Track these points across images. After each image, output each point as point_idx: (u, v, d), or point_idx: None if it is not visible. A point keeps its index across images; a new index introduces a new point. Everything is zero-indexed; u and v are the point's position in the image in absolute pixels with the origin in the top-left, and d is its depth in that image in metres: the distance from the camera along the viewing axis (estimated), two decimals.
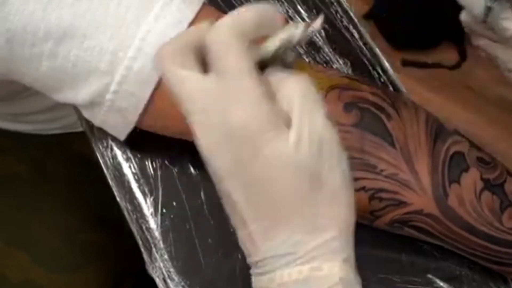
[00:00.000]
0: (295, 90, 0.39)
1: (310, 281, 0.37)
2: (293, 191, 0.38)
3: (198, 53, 0.39)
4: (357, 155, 0.51)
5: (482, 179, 0.52)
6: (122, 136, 0.53)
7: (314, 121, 0.39)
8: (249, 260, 0.40)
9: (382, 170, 0.51)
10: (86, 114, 0.53)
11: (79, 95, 0.50)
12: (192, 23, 0.49)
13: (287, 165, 0.38)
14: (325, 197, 0.38)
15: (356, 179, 0.50)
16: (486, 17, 0.49)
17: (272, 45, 0.41)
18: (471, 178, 0.52)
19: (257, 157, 0.38)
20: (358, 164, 0.51)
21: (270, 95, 0.38)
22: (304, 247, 0.38)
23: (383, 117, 0.52)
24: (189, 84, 0.39)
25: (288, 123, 0.38)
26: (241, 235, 0.40)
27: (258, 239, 0.39)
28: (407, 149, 0.52)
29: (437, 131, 0.53)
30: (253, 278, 0.40)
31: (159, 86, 0.49)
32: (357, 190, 0.50)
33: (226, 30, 0.38)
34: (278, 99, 0.39)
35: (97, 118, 0.52)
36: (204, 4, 0.51)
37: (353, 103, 0.52)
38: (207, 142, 0.38)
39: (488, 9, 0.49)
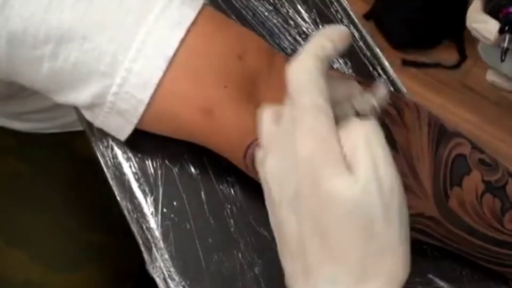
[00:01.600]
0: (361, 134, 0.39)
1: None
2: (345, 234, 0.38)
3: None
4: None
5: (483, 181, 0.52)
6: (122, 137, 0.53)
7: (378, 169, 0.38)
8: (288, 283, 0.40)
9: None
10: (87, 115, 0.53)
11: (79, 97, 0.50)
12: (192, 24, 0.49)
13: (343, 206, 0.37)
14: (376, 248, 0.38)
15: None
16: (504, 58, 0.50)
17: (367, 102, 0.43)
18: (473, 181, 0.52)
19: (317, 191, 0.38)
20: None
21: (338, 135, 0.39)
22: None
23: (386, 119, 0.52)
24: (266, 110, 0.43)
25: (350, 166, 0.38)
26: (286, 264, 0.40)
27: (301, 273, 0.39)
28: (409, 153, 0.52)
29: (439, 134, 0.53)
30: None
31: (159, 88, 0.49)
32: None
33: (304, 68, 0.40)
34: (343, 140, 0.39)
35: (98, 119, 0.52)
36: (204, 5, 0.51)
37: None
38: (273, 166, 0.40)
39: (506, 51, 0.51)
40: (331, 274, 0.37)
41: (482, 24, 0.53)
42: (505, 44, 0.52)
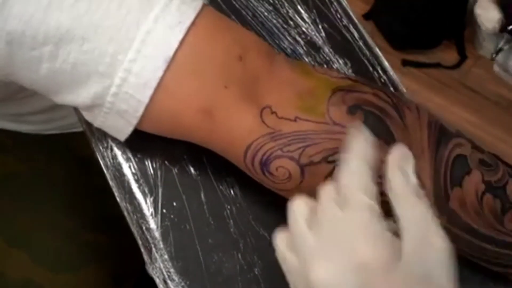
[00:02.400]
0: (410, 216, 0.42)
1: None
2: None
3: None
4: None
5: (484, 181, 0.52)
6: (122, 138, 0.53)
7: (428, 253, 0.41)
8: None
9: None
10: (86, 115, 0.53)
11: (79, 97, 0.50)
12: (192, 24, 0.49)
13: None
14: None
15: None
16: (495, 56, 0.50)
17: None
18: (473, 181, 0.52)
19: None
20: None
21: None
22: None
23: (387, 120, 0.52)
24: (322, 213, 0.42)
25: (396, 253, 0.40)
26: None
27: None
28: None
29: (440, 134, 0.53)
30: None
31: (159, 88, 0.49)
32: None
33: (355, 168, 0.42)
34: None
35: (97, 120, 0.52)
36: (204, 4, 0.51)
37: (357, 105, 0.51)
38: (330, 273, 0.40)
39: (499, 50, 0.50)
40: None
41: (485, 10, 0.51)
42: (501, 44, 0.51)
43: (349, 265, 0.39)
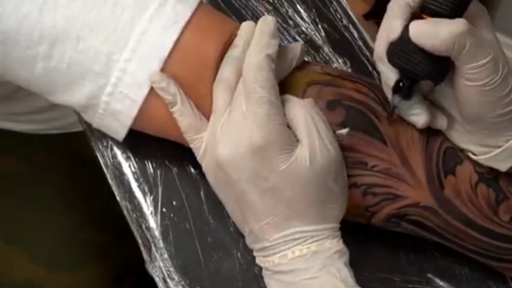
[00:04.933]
0: (302, 114, 0.48)
1: (317, 253, 0.48)
2: (304, 197, 0.48)
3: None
4: (346, 154, 0.51)
5: (476, 172, 0.53)
6: (119, 138, 0.53)
7: (320, 139, 0.48)
8: (259, 246, 0.50)
9: (373, 166, 0.51)
10: (84, 116, 0.53)
11: (74, 97, 0.50)
12: (187, 23, 0.49)
13: (299, 179, 0.47)
14: (330, 199, 0.49)
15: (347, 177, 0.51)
16: (393, 111, 0.52)
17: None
18: (466, 170, 0.52)
19: (274, 171, 0.47)
20: (348, 162, 0.51)
21: (284, 117, 0.48)
22: (313, 233, 0.48)
23: (370, 114, 0.52)
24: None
25: (299, 140, 0.48)
26: (253, 228, 0.49)
27: (270, 230, 0.49)
28: (399, 144, 0.52)
29: (429, 128, 0.53)
30: (261, 259, 0.50)
31: (154, 88, 0.49)
32: (349, 187, 0.50)
33: (259, 66, 0.48)
34: (289, 120, 0.49)
35: (94, 120, 0.52)
36: (200, 3, 0.51)
37: (336, 100, 0.52)
38: (231, 152, 0.48)
39: (394, 107, 0.51)
40: (297, 223, 0.48)
41: (384, 67, 0.51)
42: (395, 103, 0.51)
43: (248, 146, 0.47)
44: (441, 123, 0.53)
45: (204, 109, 0.50)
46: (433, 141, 0.53)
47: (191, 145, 0.51)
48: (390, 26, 0.50)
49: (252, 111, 0.47)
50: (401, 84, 0.50)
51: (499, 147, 0.51)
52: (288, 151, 0.47)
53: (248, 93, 0.48)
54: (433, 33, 0.47)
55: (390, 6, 0.51)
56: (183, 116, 0.50)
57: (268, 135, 0.47)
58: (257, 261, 0.51)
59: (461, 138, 0.53)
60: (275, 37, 0.50)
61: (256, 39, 0.49)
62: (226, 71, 0.50)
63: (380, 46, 0.51)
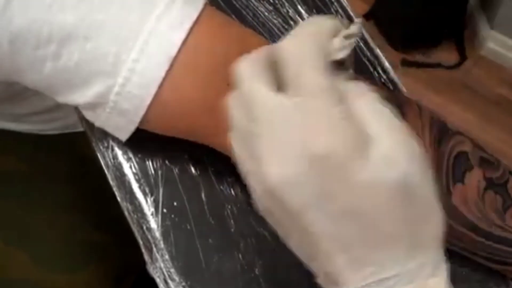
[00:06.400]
0: (370, 109, 0.37)
1: None
2: (391, 214, 0.36)
3: (273, 69, 0.37)
4: None
5: (485, 178, 0.53)
6: (124, 137, 0.53)
7: (398, 138, 0.36)
8: (326, 281, 0.38)
9: None
10: (88, 115, 0.53)
11: (82, 96, 0.50)
12: (194, 23, 0.49)
13: (381, 189, 0.35)
14: (420, 214, 0.37)
15: None
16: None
17: (340, 46, 0.38)
18: (475, 178, 0.52)
19: (348, 185, 0.35)
20: None
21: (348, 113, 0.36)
22: (407, 267, 0.36)
23: None
24: (269, 104, 0.36)
25: (368, 141, 0.35)
26: (325, 268, 0.37)
27: (349, 269, 0.36)
28: None
29: (441, 131, 0.53)
30: None
31: (162, 87, 0.49)
32: None
33: (304, 43, 0.36)
34: (352, 115, 0.36)
35: (99, 119, 0.52)
36: (206, 4, 0.51)
37: None
38: (283, 172, 0.35)
39: None
40: (382, 258, 0.36)
41: None
42: None
43: (303, 159, 0.34)
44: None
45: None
46: (445, 145, 0.53)
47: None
48: None
49: (303, 104, 0.35)
50: None
51: None
52: (361, 157, 0.35)
53: (295, 79, 0.36)
54: None
55: None
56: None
57: (333, 136, 0.35)
58: None
59: None
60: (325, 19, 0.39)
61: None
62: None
63: None
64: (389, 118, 0.37)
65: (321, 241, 0.36)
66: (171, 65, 0.49)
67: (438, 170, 0.52)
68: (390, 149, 0.35)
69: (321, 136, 0.34)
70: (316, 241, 0.37)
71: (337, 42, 0.38)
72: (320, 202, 0.35)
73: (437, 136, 0.53)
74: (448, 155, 0.52)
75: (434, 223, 0.37)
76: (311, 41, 0.36)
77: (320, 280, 0.39)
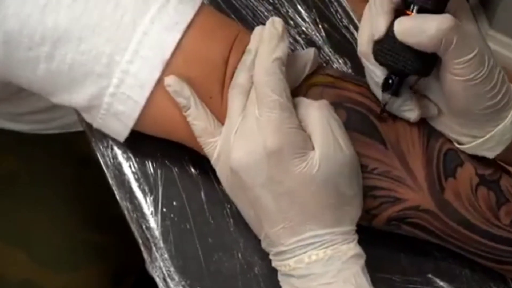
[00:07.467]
0: (317, 116, 0.48)
1: (333, 257, 0.48)
2: (319, 200, 0.48)
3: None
4: None
5: (477, 174, 0.53)
6: (121, 138, 0.53)
7: (335, 142, 0.48)
8: (275, 250, 0.50)
9: (373, 169, 0.51)
10: (85, 116, 0.53)
11: (76, 97, 0.50)
12: (190, 24, 0.49)
13: (313, 182, 0.47)
14: (345, 202, 0.49)
15: None
16: (384, 108, 0.52)
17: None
18: (467, 173, 0.52)
19: (288, 176, 0.47)
20: None
21: (297, 120, 0.48)
22: (328, 236, 0.48)
23: (371, 116, 0.52)
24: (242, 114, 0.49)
25: (313, 142, 0.48)
26: (268, 233, 0.49)
27: (286, 235, 0.48)
28: (399, 147, 0.52)
29: (430, 130, 0.53)
30: (277, 263, 0.50)
31: (156, 90, 0.49)
32: None
33: (269, 71, 0.48)
34: (303, 122, 0.48)
35: (95, 121, 0.52)
36: (202, 4, 0.51)
37: (337, 102, 0.52)
38: (245, 158, 0.48)
39: (385, 104, 0.51)
40: (313, 227, 0.48)
41: (370, 64, 0.51)
42: (386, 100, 0.51)
43: (262, 151, 0.47)
44: (432, 111, 0.52)
45: (211, 112, 0.51)
46: (434, 142, 0.53)
47: (205, 149, 0.51)
48: (373, 23, 0.49)
49: (265, 115, 0.47)
50: (390, 81, 0.50)
51: (486, 134, 0.50)
52: (302, 154, 0.47)
53: (260, 97, 0.48)
54: (419, 30, 0.46)
55: (371, 2, 0.49)
56: (197, 120, 0.50)
57: (281, 139, 0.47)
58: (273, 264, 0.51)
59: (448, 129, 0.52)
60: (284, 39, 0.49)
61: (265, 43, 0.49)
62: (241, 76, 0.50)
63: (364, 44, 0.51)
64: (330, 128, 0.48)
65: (266, 213, 0.48)
66: (165, 67, 0.49)
67: (428, 164, 0.52)
68: (321, 154, 0.47)
69: (274, 138, 0.47)
70: (263, 213, 0.49)
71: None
72: (268, 183, 0.47)
73: (425, 132, 0.53)
74: (438, 151, 0.52)
75: (353, 210, 0.49)
76: (276, 72, 0.48)
77: (264, 245, 0.51)
